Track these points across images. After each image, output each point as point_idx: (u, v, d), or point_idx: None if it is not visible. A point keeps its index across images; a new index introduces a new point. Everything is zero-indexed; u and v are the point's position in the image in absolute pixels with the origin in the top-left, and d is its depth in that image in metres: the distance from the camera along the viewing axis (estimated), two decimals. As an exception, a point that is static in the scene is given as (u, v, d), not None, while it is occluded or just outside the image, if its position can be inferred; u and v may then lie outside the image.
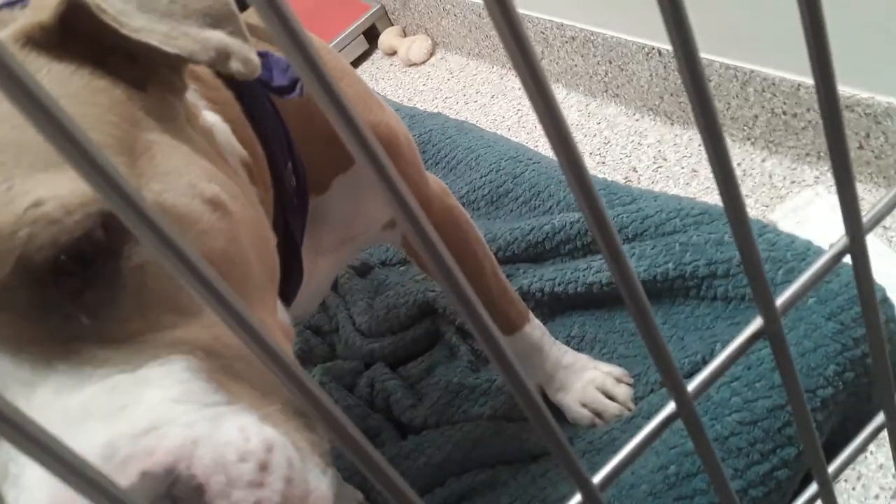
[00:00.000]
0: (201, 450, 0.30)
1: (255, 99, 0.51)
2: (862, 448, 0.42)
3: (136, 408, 0.31)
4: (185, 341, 0.34)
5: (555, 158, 0.90)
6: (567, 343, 0.90)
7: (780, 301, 0.33)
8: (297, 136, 0.54)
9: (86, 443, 0.29)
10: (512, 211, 1.13)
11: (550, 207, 1.06)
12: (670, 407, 0.32)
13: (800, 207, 1.03)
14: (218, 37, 0.40)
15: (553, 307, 0.97)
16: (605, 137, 1.42)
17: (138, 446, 0.30)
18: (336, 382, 1.04)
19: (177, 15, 0.39)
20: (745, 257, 0.29)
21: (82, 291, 0.33)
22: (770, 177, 1.17)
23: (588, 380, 0.82)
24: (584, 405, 0.81)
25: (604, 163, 1.38)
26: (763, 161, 1.20)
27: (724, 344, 0.74)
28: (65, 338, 0.32)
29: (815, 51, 0.27)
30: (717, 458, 0.33)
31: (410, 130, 1.37)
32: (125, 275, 0.34)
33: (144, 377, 0.32)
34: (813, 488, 0.40)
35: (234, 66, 0.40)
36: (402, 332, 1.08)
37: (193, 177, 0.38)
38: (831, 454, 0.43)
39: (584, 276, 0.91)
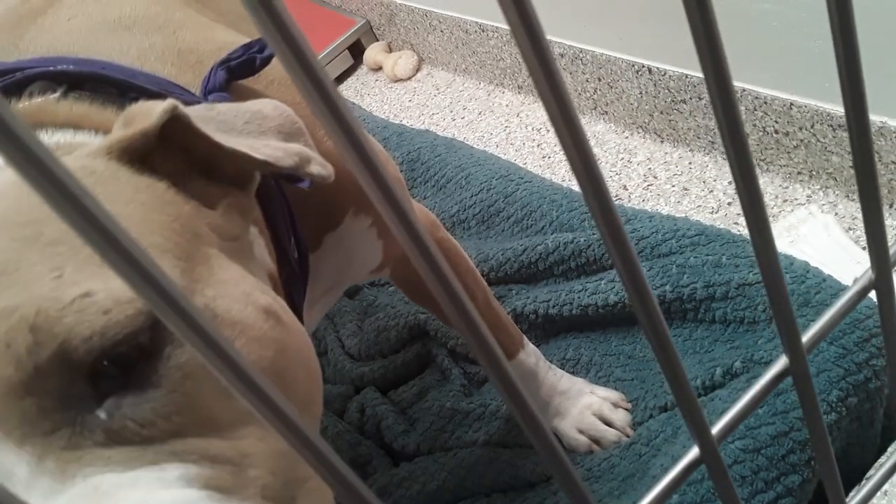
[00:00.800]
0: None
1: (263, 183, 0.51)
2: (881, 483, 0.41)
3: None
4: (195, 451, 0.33)
5: (546, 178, 0.89)
6: (562, 366, 0.89)
7: (805, 338, 0.32)
8: (293, 202, 0.55)
9: None
10: (504, 231, 1.11)
11: (543, 227, 1.05)
12: (694, 452, 0.30)
13: (793, 226, 1.03)
14: (297, 146, 0.44)
15: (547, 329, 0.95)
16: (595, 155, 1.41)
17: None
18: (325, 408, 1.01)
19: (254, 133, 0.43)
20: (773, 296, 0.28)
21: (111, 392, 0.32)
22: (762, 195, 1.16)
23: (585, 405, 0.81)
24: (581, 431, 0.80)
25: (593, 181, 1.37)
26: (754, 179, 1.20)
27: (724, 368, 0.73)
28: (71, 433, 0.31)
29: (848, 80, 0.25)
30: (737, 498, 0.32)
31: (399, 148, 1.36)
32: (161, 377, 0.33)
33: (132, 479, 0.30)
34: (833, 528, 0.39)
35: (315, 169, 0.43)
36: (392, 355, 1.06)
37: (248, 286, 0.39)
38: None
39: (579, 297, 0.89)
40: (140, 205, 0.37)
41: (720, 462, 0.30)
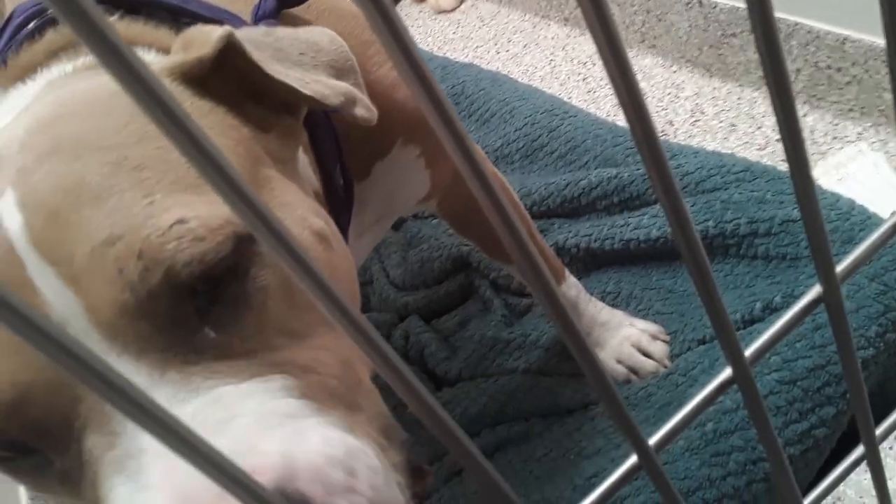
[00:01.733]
0: (298, 465, 0.32)
1: (311, 110, 0.52)
2: (910, 412, 0.43)
3: (238, 421, 0.33)
4: (287, 361, 0.36)
5: (591, 112, 0.89)
6: (602, 299, 0.90)
7: (839, 268, 0.33)
8: (341, 129, 0.55)
9: None
10: (547, 165, 1.12)
11: (587, 162, 1.05)
12: (726, 372, 0.32)
13: (841, 164, 1.01)
14: (345, 85, 0.44)
15: (588, 263, 0.97)
16: (641, 89, 1.40)
17: (245, 465, 0.31)
18: (371, 334, 1.05)
19: (307, 65, 0.44)
20: (809, 225, 0.29)
21: (210, 308, 0.35)
22: (811, 132, 1.15)
23: (624, 336, 0.82)
24: (619, 361, 0.82)
25: (639, 116, 1.36)
26: (804, 116, 1.17)
27: (764, 303, 0.74)
28: (186, 349, 0.34)
29: (890, 13, 0.26)
30: (769, 421, 0.34)
31: (443, 82, 1.36)
32: (250, 295, 0.36)
33: (247, 391, 0.34)
34: (859, 450, 0.41)
35: (360, 111, 0.44)
36: (435, 285, 1.09)
37: (304, 210, 0.41)
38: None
39: (621, 232, 0.90)
40: (207, 129, 0.39)
41: (752, 383, 0.32)
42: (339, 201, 0.56)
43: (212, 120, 0.40)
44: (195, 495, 0.30)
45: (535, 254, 0.23)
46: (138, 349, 0.33)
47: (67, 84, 0.43)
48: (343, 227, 0.58)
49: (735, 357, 0.31)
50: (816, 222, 0.29)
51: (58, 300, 0.33)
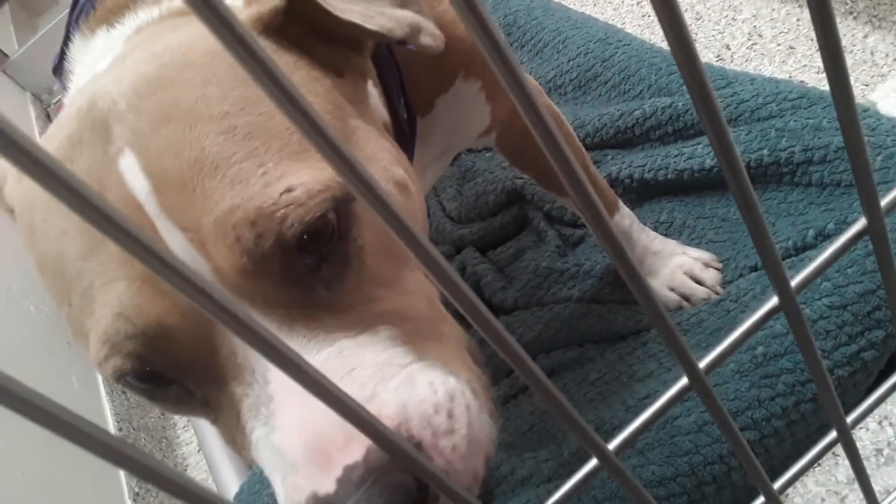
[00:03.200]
0: (410, 412, 0.37)
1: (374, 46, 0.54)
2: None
3: (360, 371, 0.38)
4: (386, 312, 0.41)
5: (645, 39, 0.89)
6: (655, 229, 0.92)
7: (885, 201, 0.34)
8: (403, 65, 0.57)
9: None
10: (600, 96, 1.12)
11: (641, 92, 1.05)
12: (773, 301, 0.34)
13: (904, 86, 0.99)
14: (409, 14, 0.45)
15: (642, 193, 0.98)
16: (697, 13, 1.37)
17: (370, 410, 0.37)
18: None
19: None
20: (853, 156, 0.31)
21: (319, 267, 0.39)
22: (872, 54, 1.12)
23: (676, 265, 0.84)
24: (672, 289, 0.84)
25: (696, 40, 1.34)
26: (865, 37, 1.14)
27: (818, 230, 0.75)
28: (305, 305, 0.39)
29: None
30: (815, 347, 0.36)
31: (494, 12, 1.36)
32: (351, 254, 0.40)
33: (362, 343, 0.39)
34: (903, 372, 0.43)
35: (425, 40, 0.45)
36: (490, 218, 1.12)
37: (386, 161, 0.44)
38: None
39: (675, 162, 0.91)
40: (298, 87, 0.41)
41: (798, 311, 0.34)
42: (403, 135, 0.58)
43: (299, 75, 0.42)
44: (327, 435, 0.36)
45: (587, 185, 0.26)
46: (263, 304, 0.38)
47: (158, 33, 0.45)
48: (409, 159, 0.60)
49: (781, 286, 0.33)
50: (860, 153, 0.30)
51: (188, 260, 0.37)
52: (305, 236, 0.38)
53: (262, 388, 0.37)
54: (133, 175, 0.37)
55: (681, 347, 0.32)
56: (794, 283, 0.34)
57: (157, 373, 0.39)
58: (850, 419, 0.43)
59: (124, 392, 1.39)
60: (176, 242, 0.37)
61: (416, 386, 0.39)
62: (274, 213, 0.36)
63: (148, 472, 0.21)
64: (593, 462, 0.34)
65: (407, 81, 0.59)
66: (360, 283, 0.40)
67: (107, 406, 1.31)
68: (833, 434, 0.42)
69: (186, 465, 1.37)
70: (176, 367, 0.39)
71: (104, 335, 0.37)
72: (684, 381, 0.35)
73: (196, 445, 1.39)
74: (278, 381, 0.37)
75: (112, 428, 1.27)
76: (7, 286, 1.27)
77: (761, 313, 0.35)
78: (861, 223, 0.34)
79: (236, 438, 0.41)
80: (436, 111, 0.63)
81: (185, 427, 1.41)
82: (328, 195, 0.38)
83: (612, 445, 0.34)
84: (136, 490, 1.17)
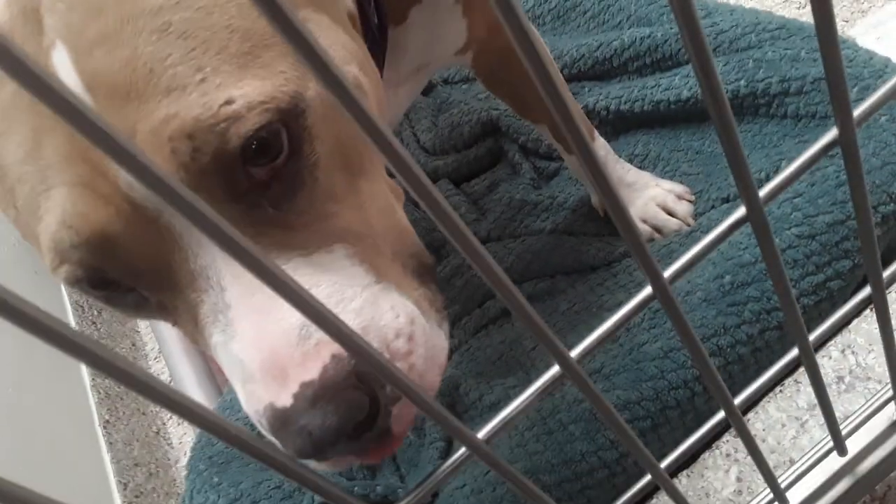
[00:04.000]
0: (371, 335, 0.38)
1: None
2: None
3: (317, 291, 0.37)
4: (341, 229, 0.40)
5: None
6: (630, 161, 0.91)
7: (857, 112, 0.34)
8: None
9: (284, 321, 0.36)
10: (579, 26, 1.10)
11: (620, 22, 1.03)
12: (741, 211, 0.34)
13: (881, 23, 0.98)
14: None
15: (617, 125, 0.97)
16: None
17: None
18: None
19: None
20: (828, 63, 0.30)
21: (268, 184, 0.37)
22: (855, -11, 1.10)
23: (649, 196, 0.84)
24: (644, 220, 0.84)
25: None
26: (849, -29, 1.13)
27: (790, 161, 0.75)
28: (253, 221, 0.37)
29: None
30: (780, 260, 0.36)
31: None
32: (304, 172, 0.38)
33: (318, 262, 0.38)
34: (866, 291, 0.43)
35: None
36: (465, 149, 1.11)
37: (345, 45, 0.42)
38: (886, 265, 0.45)
39: (651, 93, 0.90)
40: None
41: (765, 220, 0.34)
42: (374, 43, 0.56)
43: None
44: (284, 352, 0.36)
45: (569, 103, 0.25)
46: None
47: None
48: (378, 66, 0.57)
49: (749, 195, 0.33)
50: (835, 62, 0.30)
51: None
52: (253, 147, 0.36)
53: (218, 295, 0.37)
54: (65, 71, 0.35)
55: (645, 255, 0.32)
56: (762, 192, 0.34)
57: (112, 280, 0.38)
58: (812, 337, 0.43)
59: (93, 322, 1.38)
60: None
61: (378, 309, 0.39)
62: (212, 127, 0.34)
63: (104, 364, 0.21)
64: (555, 369, 0.34)
65: None
66: (312, 202, 0.39)
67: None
68: (794, 351, 0.43)
69: (158, 396, 1.37)
70: (127, 275, 0.38)
71: (51, 243, 0.36)
72: (648, 289, 0.34)
73: (168, 376, 1.39)
74: (234, 288, 0.36)
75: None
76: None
77: (728, 223, 0.35)
78: (833, 133, 0.33)
79: (197, 339, 0.40)
80: (409, 22, 0.60)
81: (156, 358, 1.41)
82: (271, 107, 0.36)
83: (574, 353, 0.34)
84: (107, 418, 1.18)
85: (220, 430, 0.24)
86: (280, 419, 0.36)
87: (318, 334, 0.36)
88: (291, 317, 0.36)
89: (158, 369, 1.40)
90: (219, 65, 0.36)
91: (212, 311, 0.37)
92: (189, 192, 0.18)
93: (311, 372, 0.36)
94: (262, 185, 0.37)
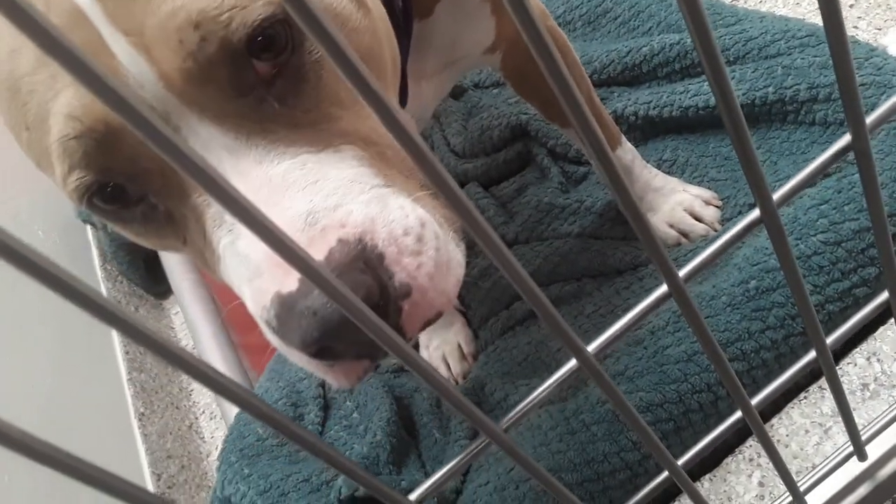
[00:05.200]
0: (378, 225, 0.36)
1: None
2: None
3: (324, 183, 0.37)
4: (348, 132, 0.40)
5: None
6: (658, 166, 0.92)
7: (870, 119, 0.35)
8: None
9: (291, 209, 0.36)
10: (609, 32, 1.11)
11: (650, 28, 1.04)
12: (755, 213, 0.35)
13: (918, 29, 0.97)
14: None
15: (646, 131, 0.98)
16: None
17: (333, 218, 0.36)
18: (432, 199, 1.10)
19: None
20: (839, 71, 0.31)
21: (273, 79, 0.38)
22: (890, -4, 1.09)
23: (676, 202, 0.85)
24: (671, 226, 0.85)
25: (709, -20, 1.31)
26: (885, -22, 1.12)
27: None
28: (259, 117, 0.38)
29: None
30: (795, 263, 0.37)
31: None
32: (306, 68, 0.39)
33: (326, 159, 0.38)
34: (883, 296, 0.44)
35: None
36: (494, 153, 1.12)
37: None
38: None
39: (680, 99, 0.91)
40: None
41: (779, 223, 0.35)
42: (398, 30, 0.56)
43: None
44: (290, 236, 0.35)
45: (587, 110, 0.26)
46: (215, 114, 0.37)
47: None
48: (401, 54, 0.57)
49: (763, 197, 0.34)
50: (847, 68, 0.31)
51: (133, 66, 0.36)
52: (259, 40, 0.36)
53: None
54: None
55: (661, 255, 0.33)
56: (776, 196, 0.35)
57: (121, 190, 0.39)
58: (831, 339, 0.44)
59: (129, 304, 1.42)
60: (121, 49, 0.35)
61: (387, 206, 0.37)
62: (217, 16, 0.35)
63: (139, 334, 0.22)
64: (572, 362, 0.35)
65: None
66: (318, 101, 0.39)
67: (114, 332, 1.34)
68: (812, 354, 0.43)
69: (191, 391, 1.40)
70: (134, 177, 0.38)
71: (58, 144, 0.37)
72: (664, 288, 0.36)
73: (201, 372, 1.42)
74: (240, 185, 0.36)
75: (119, 352, 1.30)
76: (16, 211, 1.29)
77: (742, 225, 0.36)
78: (846, 139, 0.34)
79: (207, 258, 0.40)
80: (435, 16, 0.61)
81: (192, 347, 1.44)
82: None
83: (591, 347, 0.35)
84: (142, 411, 1.21)
85: (243, 400, 0.26)
86: (286, 305, 0.35)
87: (325, 220, 0.36)
88: (298, 204, 0.36)
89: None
90: None
91: (218, 214, 0.37)
92: (147, 109, 0.18)
93: (317, 255, 0.35)
94: (268, 80, 0.38)
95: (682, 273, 0.35)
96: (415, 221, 0.38)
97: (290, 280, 0.35)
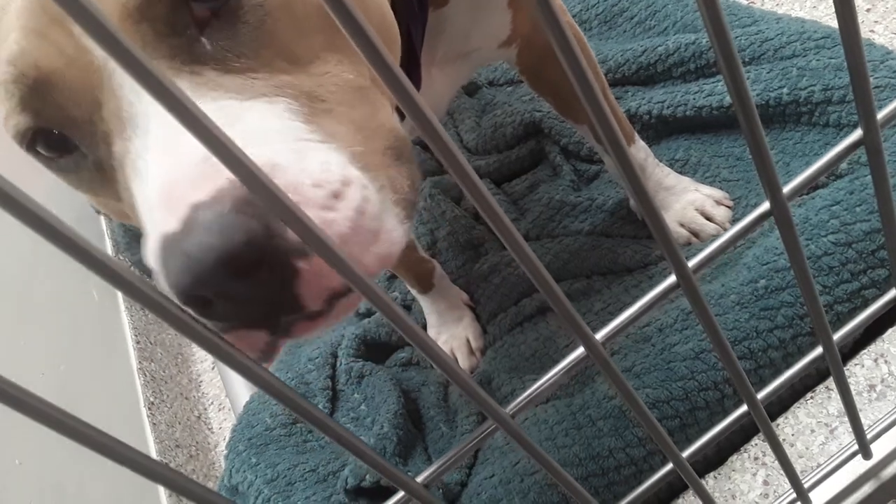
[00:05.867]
0: (282, 173, 0.33)
1: None
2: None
3: (235, 127, 0.34)
4: (291, 85, 0.37)
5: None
6: (671, 166, 0.92)
7: (881, 114, 0.35)
8: None
9: (193, 152, 0.32)
10: (625, 31, 1.11)
11: (666, 28, 1.04)
12: (764, 205, 0.35)
13: (936, 34, 0.97)
14: None
15: (660, 130, 0.98)
16: (730, -46, 1.34)
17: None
18: (444, 195, 1.11)
19: None
20: (852, 65, 0.32)
21: (209, 21, 0.37)
22: (907, -1, 1.09)
23: (688, 201, 0.85)
24: (682, 225, 0.85)
25: (726, -18, 1.31)
26: (903, -18, 1.11)
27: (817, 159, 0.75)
28: (188, 59, 0.37)
29: None
30: (804, 259, 0.37)
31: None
32: (245, 11, 0.37)
33: (250, 107, 0.35)
34: (892, 293, 0.44)
35: None
36: (507, 150, 1.12)
37: None
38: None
39: (694, 98, 0.91)
40: None
41: (788, 215, 0.35)
42: (411, 11, 0.56)
43: None
44: (183, 175, 0.32)
45: (604, 105, 0.26)
46: (147, 53, 0.36)
47: None
48: (416, 45, 0.57)
49: (773, 189, 0.34)
50: (859, 63, 0.31)
51: None
52: None
53: (142, 142, 0.34)
54: None
55: (671, 245, 0.33)
56: (786, 189, 0.35)
57: (61, 138, 0.39)
58: (838, 335, 0.44)
59: (143, 309, 1.43)
60: None
61: (304, 158, 0.34)
62: None
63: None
64: (580, 350, 0.36)
65: None
66: (258, 48, 0.37)
67: (125, 320, 1.35)
68: (819, 349, 0.44)
69: (200, 382, 1.42)
70: (64, 123, 0.38)
71: (0, 87, 0.37)
72: (672, 278, 0.36)
73: (211, 362, 1.43)
74: (157, 130, 0.34)
75: (130, 342, 1.32)
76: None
77: (752, 217, 0.36)
78: (857, 133, 0.34)
79: (130, 212, 0.39)
80: (451, 6, 0.61)
81: (203, 360, 1.46)
82: None
83: (598, 335, 0.36)
84: (152, 400, 1.22)
85: (247, 369, 0.26)
86: (166, 247, 0.31)
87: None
88: (202, 146, 0.35)
89: (202, 356, 1.44)
90: None
91: (135, 161, 0.35)
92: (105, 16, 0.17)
93: (203, 193, 0.31)
94: (202, 22, 0.37)
95: (691, 264, 0.36)
96: (335, 177, 0.33)
97: (173, 219, 0.31)
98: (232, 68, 0.37)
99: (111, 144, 0.37)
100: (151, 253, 0.33)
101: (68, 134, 0.39)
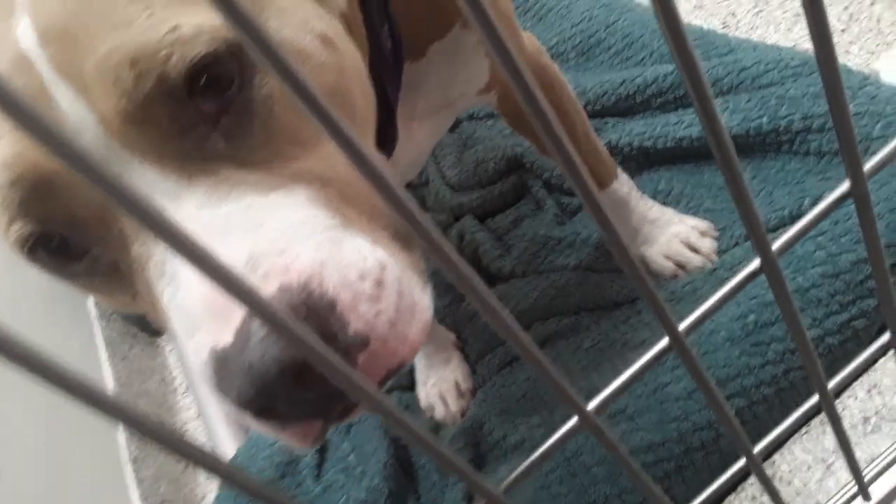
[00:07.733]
0: (329, 270, 0.33)
1: None
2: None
3: (270, 227, 0.34)
4: (305, 172, 0.37)
5: (649, 6, 0.86)
6: (654, 197, 0.92)
7: (868, 165, 0.34)
8: (396, 3, 0.55)
9: (231, 255, 0.33)
10: (603, 63, 1.11)
11: (643, 59, 1.04)
12: (755, 263, 0.35)
13: (908, 55, 0.98)
14: None
15: (641, 162, 0.97)
16: (702, -20, 1.35)
17: (277, 263, 0.33)
18: (427, 233, 1.09)
19: None
20: (836, 120, 0.31)
21: (218, 117, 0.36)
22: (878, 21, 1.10)
23: (673, 233, 0.84)
24: (667, 257, 0.84)
25: (701, 6, 1.32)
26: (872, 4, 1.12)
27: (814, 199, 0.74)
28: (202, 157, 0.36)
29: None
30: (796, 311, 0.36)
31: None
32: (256, 104, 0.37)
33: (276, 201, 0.35)
34: (885, 337, 0.43)
35: None
36: (490, 185, 1.11)
37: (305, 13, 0.40)
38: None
39: (674, 130, 0.90)
40: None
41: (778, 272, 0.34)
42: (387, 69, 0.55)
43: None
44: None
45: (571, 151, 0.25)
46: (157, 156, 0.35)
47: None
48: (391, 95, 0.56)
49: (762, 249, 0.33)
50: (844, 118, 0.30)
51: (72, 111, 0.34)
52: (203, 81, 0.35)
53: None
54: (25, 34, 0.35)
55: (660, 308, 0.32)
56: (775, 246, 0.34)
57: (64, 243, 0.37)
58: (831, 384, 0.43)
59: (124, 358, 1.40)
60: (61, 93, 0.34)
61: (341, 249, 0.34)
62: (156, 53, 0.34)
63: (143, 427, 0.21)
64: (573, 420, 0.34)
65: (397, 23, 0.55)
66: (269, 138, 0.37)
67: (107, 370, 1.32)
68: (815, 398, 0.43)
69: (186, 430, 1.39)
70: (72, 225, 0.37)
71: None
72: (665, 341, 0.35)
73: (196, 411, 1.40)
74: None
75: (112, 390, 1.29)
76: (8, 256, 1.28)
77: (742, 276, 0.35)
78: (845, 186, 0.34)
79: (158, 314, 0.38)
80: (428, 58, 0.59)
81: (184, 393, 1.43)
82: (219, 35, 0.35)
83: (591, 405, 0.34)
84: (136, 454, 1.19)
85: (240, 481, 0.25)
86: (221, 360, 0.32)
87: (268, 265, 0.33)
88: (239, 249, 0.33)
89: (186, 404, 1.42)
90: (168, 4, 0.35)
91: (159, 264, 0.35)
92: (80, 146, 0.17)
93: None
94: (213, 118, 0.36)
95: (681, 327, 0.35)
96: (374, 265, 0.35)
97: (225, 333, 0.32)
98: (247, 162, 0.36)
99: (128, 245, 0.36)
100: (200, 366, 0.33)
101: (75, 237, 0.37)
